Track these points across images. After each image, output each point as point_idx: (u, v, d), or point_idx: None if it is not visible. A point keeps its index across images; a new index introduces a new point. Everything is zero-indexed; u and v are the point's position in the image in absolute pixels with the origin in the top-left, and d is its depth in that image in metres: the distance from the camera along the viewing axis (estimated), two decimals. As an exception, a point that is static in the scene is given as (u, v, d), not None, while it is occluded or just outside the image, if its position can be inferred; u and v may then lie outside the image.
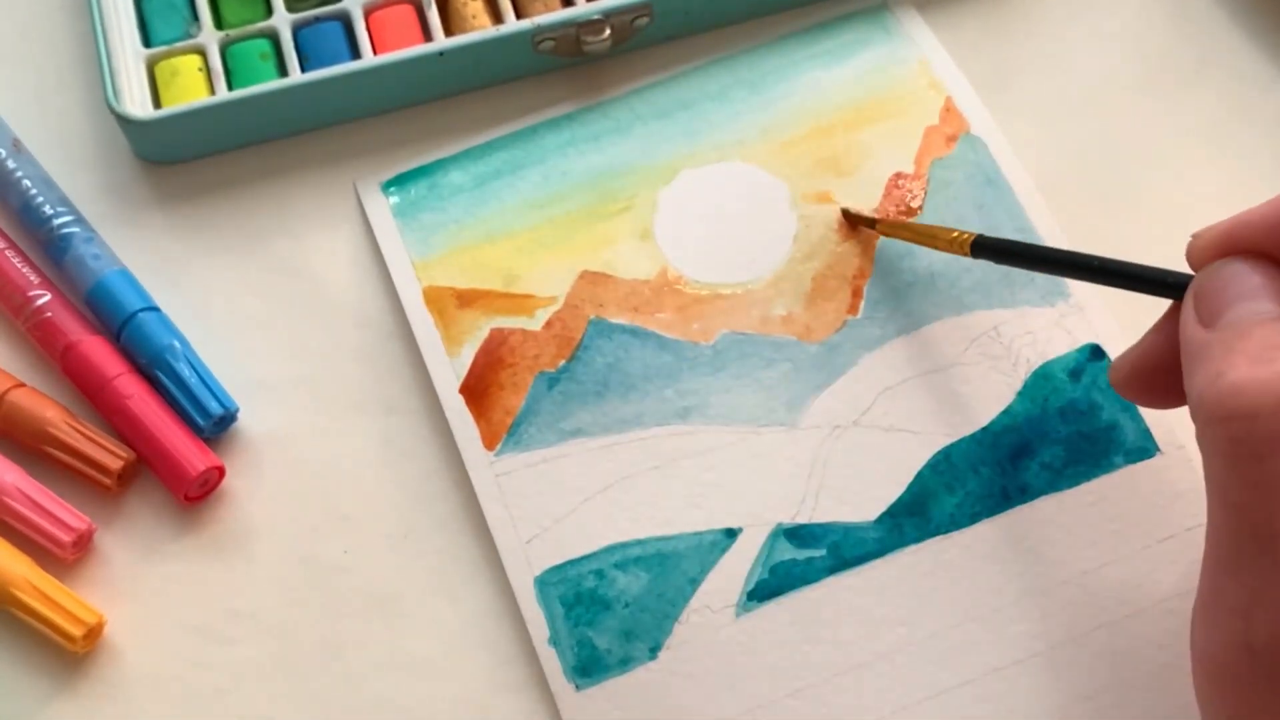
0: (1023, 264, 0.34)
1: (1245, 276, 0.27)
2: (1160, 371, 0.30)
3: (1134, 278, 0.30)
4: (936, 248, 0.36)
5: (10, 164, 0.40)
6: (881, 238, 0.38)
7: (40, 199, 0.39)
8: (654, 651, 0.34)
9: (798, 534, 0.35)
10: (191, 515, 0.37)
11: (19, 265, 0.38)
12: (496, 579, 0.35)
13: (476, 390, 0.37)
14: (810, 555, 0.35)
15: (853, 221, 0.39)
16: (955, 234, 0.35)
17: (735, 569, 0.34)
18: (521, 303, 0.38)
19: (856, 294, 0.38)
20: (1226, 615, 0.25)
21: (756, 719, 0.33)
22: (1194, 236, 0.28)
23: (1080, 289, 0.37)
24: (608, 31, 0.40)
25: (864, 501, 0.35)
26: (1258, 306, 0.26)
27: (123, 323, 0.38)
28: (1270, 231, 0.27)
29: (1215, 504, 0.25)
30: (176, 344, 0.37)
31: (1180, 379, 0.27)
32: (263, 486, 0.37)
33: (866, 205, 0.39)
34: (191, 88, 0.41)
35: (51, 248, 0.39)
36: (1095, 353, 0.36)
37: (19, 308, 0.38)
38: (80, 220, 0.39)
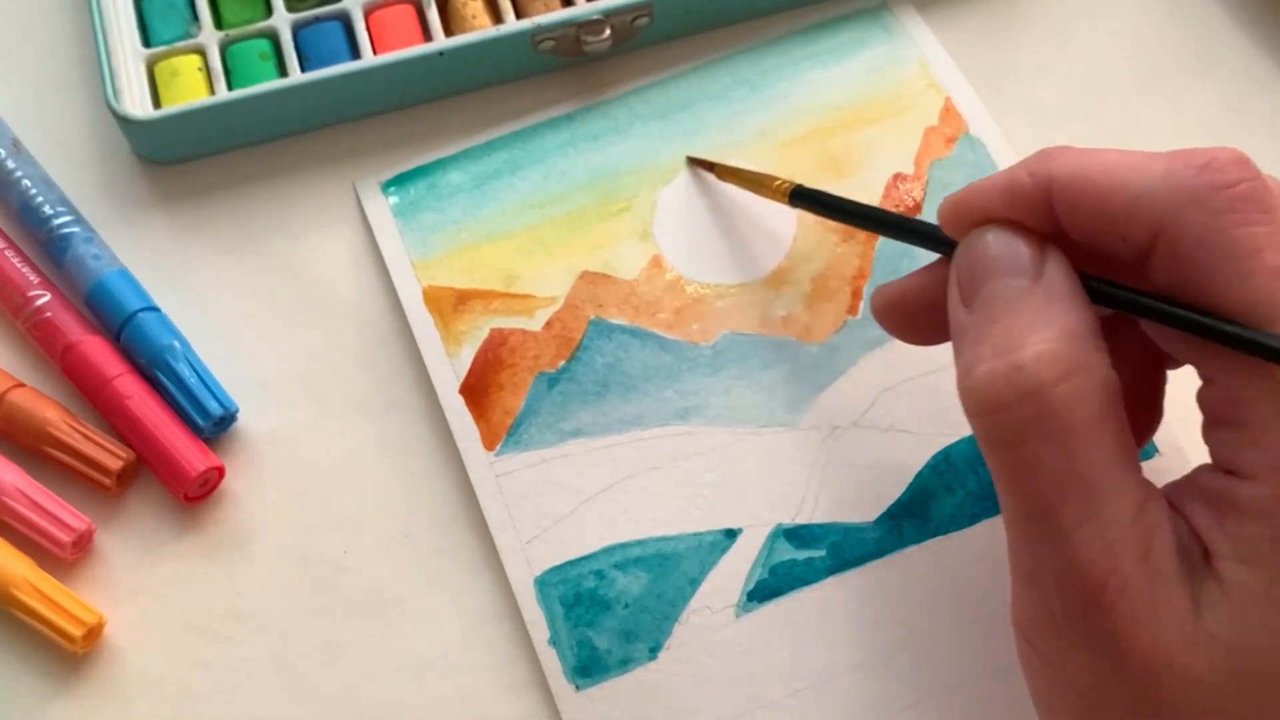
0: (834, 216, 0.35)
1: (998, 245, 0.27)
2: (919, 312, 0.31)
3: (924, 235, 0.30)
4: (762, 195, 0.37)
5: (10, 164, 0.40)
6: (881, 238, 0.38)
7: (40, 199, 0.39)
8: (654, 652, 0.34)
9: (798, 534, 0.35)
10: (191, 515, 0.37)
11: (19, 265, 0.38)
12: (496, 579, 0.35)
13: (476, 390, 0.37)
14: (810, 556, 0.35)
15: (695, 165, 0.40)
16: (778, 182, 0.36)
17: (735, 569, 0.34)
18: (521, 303, 0.38)
19: (856, 294, 0.38)
20: (1026, 586, 0.26)
21: (756, 719, 0.33)
22: (943, 200, 0.29)
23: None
24: (608, 31, 0.40)
25: (864, 502, 0.35)
26: (1007, 284, 0.27)
27: (123, 323, 0.38)
28: (1014, 197, 0.27)
29: (997, 486, 0.26)
30: (176, 344, 0.37)
31: (936, 319, 0.29)
32: (263, 486, 0.37)
33: (866, 205, 0.39)
34: (191, 88, 0.41)
35: (51, 248, 0.39)
36: (1095, 353, 0.36)
37: (19, 308, 0.38)
38: (80, 220, 0.39)
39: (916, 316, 0.31)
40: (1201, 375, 0.27)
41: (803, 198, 0.36)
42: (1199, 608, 0.25)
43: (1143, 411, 0.31)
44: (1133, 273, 0.27)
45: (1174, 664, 0.24)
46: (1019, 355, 0.25)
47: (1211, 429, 0.26)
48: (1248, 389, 0.25)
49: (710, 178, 0.40)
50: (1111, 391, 0.25)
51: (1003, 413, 0.25)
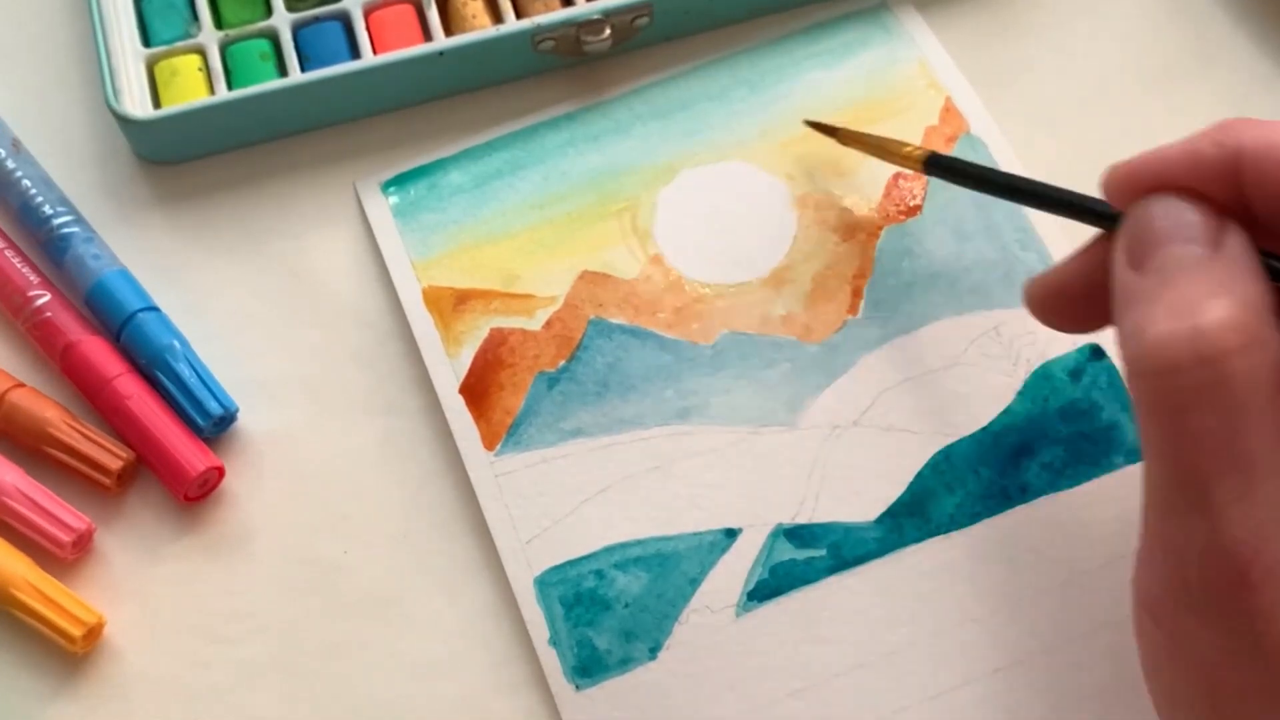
0: (973, 185, 0.34)
1: (1176, 213, 0.26)
2: (1078, 298, 0.30)
3: (1074, 207, 0.30)
4: (891, 161, 0.37)
5: (10, 164, 0.40)
6: (882, 236, 0.38)
7: (40, 199, 0.39)
8: (654, 652, 0.34)
9: (798, 534, 0.35)
10: (191, 515, 0.37)
11: (19, 265, 0.38)
12: (496, 579, 0.35)
13: (476, 390, 0.37)
14: (810, 555, 0.35)
15: (817, 129, 0.39)
16: (908, 148, 0.36)
17: (735, 569, 0.34)
18: (521, 303, 0.38)
19: (856, 294, 0.38)
20: (1164, 556, 0.26)
21: (756, 719, 0.33)
22: (1110, 169, 0.28)
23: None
24: (608, 31, 0.40)
25: (864, 501, 0.35)
26: (1185, 250, 0.26)
27: (122, 323, 0.38)
28: (1195, 167, 0.26)
29: (1147, 453, 0.26)
30: (176, 344, 0.37)
31: (1097, 306, 0.28)
32: (262, 486, 0.37)
33: (866, 206, 0.39)
34: (191, 88, 0.41)
35: (51, 248, 0.39)
36: (1095, 353, 0.36)
37: (19, 308, 0.38)
38: (80, 220, 0.39)
39: (1074, 303, 0.30)
40: None
41: (939, 166, 0.35)
42: None
43: None
44: None
45: None
46: (1201, 321, 0.24)
47: None
48: None
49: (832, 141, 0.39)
50: None
51: (1175, 375, 0.24)
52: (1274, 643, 0.24)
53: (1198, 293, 0.25)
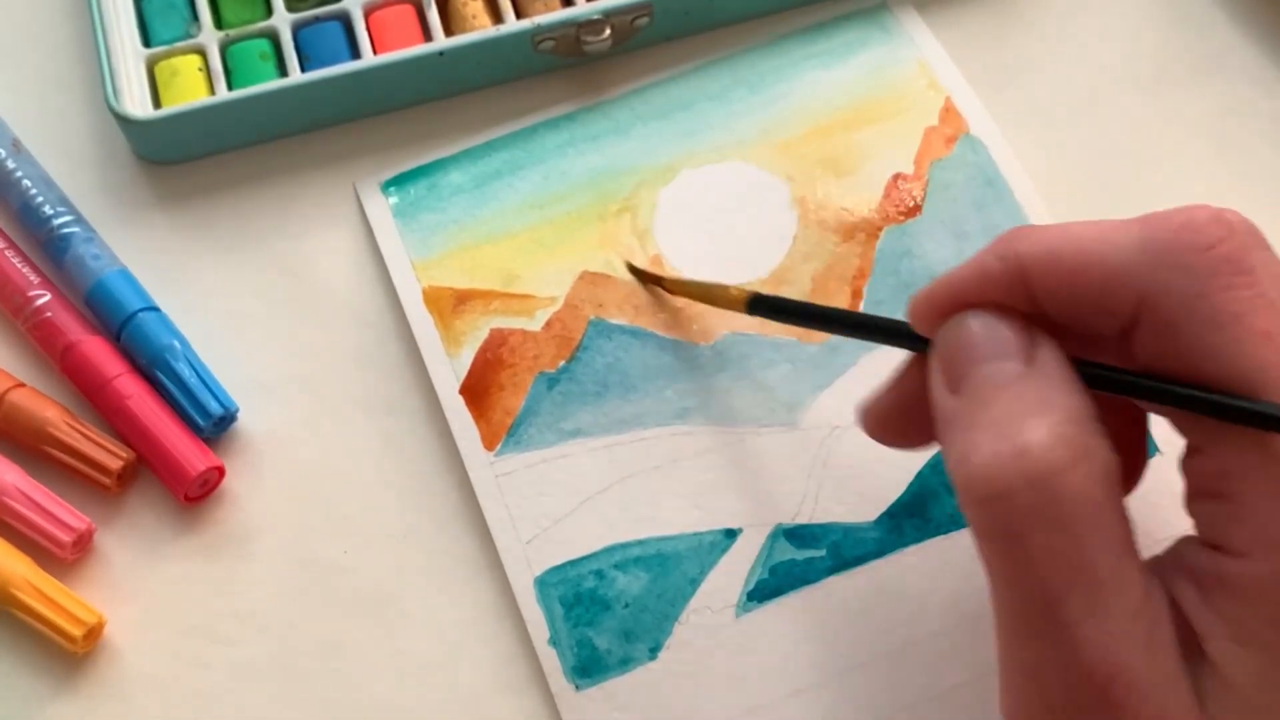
0: (796, 321, 0.33)
1: (985, 330, 0.26)
2: (907, 420, 0.29)
3: (889, 333, 0.29)
4: (717, 305, 0.36)
5: (10, 164, 0.40)
6: (882, 236, 0.38)
7: (40, 199, 0.39)
8: (654, 652, 0.34)
9: (798, 534, 0.35)
10: (191, 515, 0.37)
11: (19, 265, 0.38)
12: (496, 579, 0.35)
13: (476, 390, 0.37)
14: (810, 555, 0.35)
15: (640, 277, 0.38)
16: (733, 290, 0.34)
17: (735, 569, 0.34)
18: (521, 303, 0.38)
19: (856, 294, 0.38)
20: (1024, 681, 0.25)
21: (756, 719, 0.33)
22: (911, 298, 0.27)
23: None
24: (608, 31, 0.40)
25: (864, 502, 0.35)
26: (1000, 368, 0.25)
27: (123, 323, 0.38)
28: (984, 283, 0.26)
29: (991, 578, 0.25)
30: (176, 344, 0.37)
31: (925, 423, 0.27)
32: (262, 486, 0.37)
33: (866, 206, 0.39)
34: (191, 88, 0.41)
35: (51, 248, 0.39)
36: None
37: (19, 308, 0.38)
38: (80, 220, 0.39)
39: (905, 425, 0.29)
40: (1189, 444, 0.26)
41: (762, 306, 0.33)
42: (1202, 698, 0.24)
43: (1129, 456, 0.29)
44: (1114, 347, 0.26)
45: None
46: (1024, 440, 0.24)
47: (1197, 501, 0.25)
48: (1238, 460, 0.24)
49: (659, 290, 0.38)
50: (1114, 477, 0.24)
51: (1006, 500, 0.24)
52: None
53: (1018, 411, 0.24)
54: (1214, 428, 0.24)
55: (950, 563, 0.34)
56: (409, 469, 0.37)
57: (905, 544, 0.35)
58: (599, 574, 0.35)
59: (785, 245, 0.39)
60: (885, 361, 0.37)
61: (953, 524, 0.35)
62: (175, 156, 0.41)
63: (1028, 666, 0.25)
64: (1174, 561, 0.25)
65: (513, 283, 0.38)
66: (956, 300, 0.27)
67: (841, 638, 0.34)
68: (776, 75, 0.41)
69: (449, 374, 0.37)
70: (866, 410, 0.31)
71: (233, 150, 0.41)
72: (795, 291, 0.38)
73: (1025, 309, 0.26)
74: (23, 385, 0.37)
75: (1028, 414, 0.24)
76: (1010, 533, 0.24)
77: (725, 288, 0.35)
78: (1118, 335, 0.26)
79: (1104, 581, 0.24)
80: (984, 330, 0.26)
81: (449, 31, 0.42)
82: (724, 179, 0.40)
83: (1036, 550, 0.24)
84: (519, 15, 0.41)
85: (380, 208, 0.40)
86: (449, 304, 0.38)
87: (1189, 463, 0.26)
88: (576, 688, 0.34)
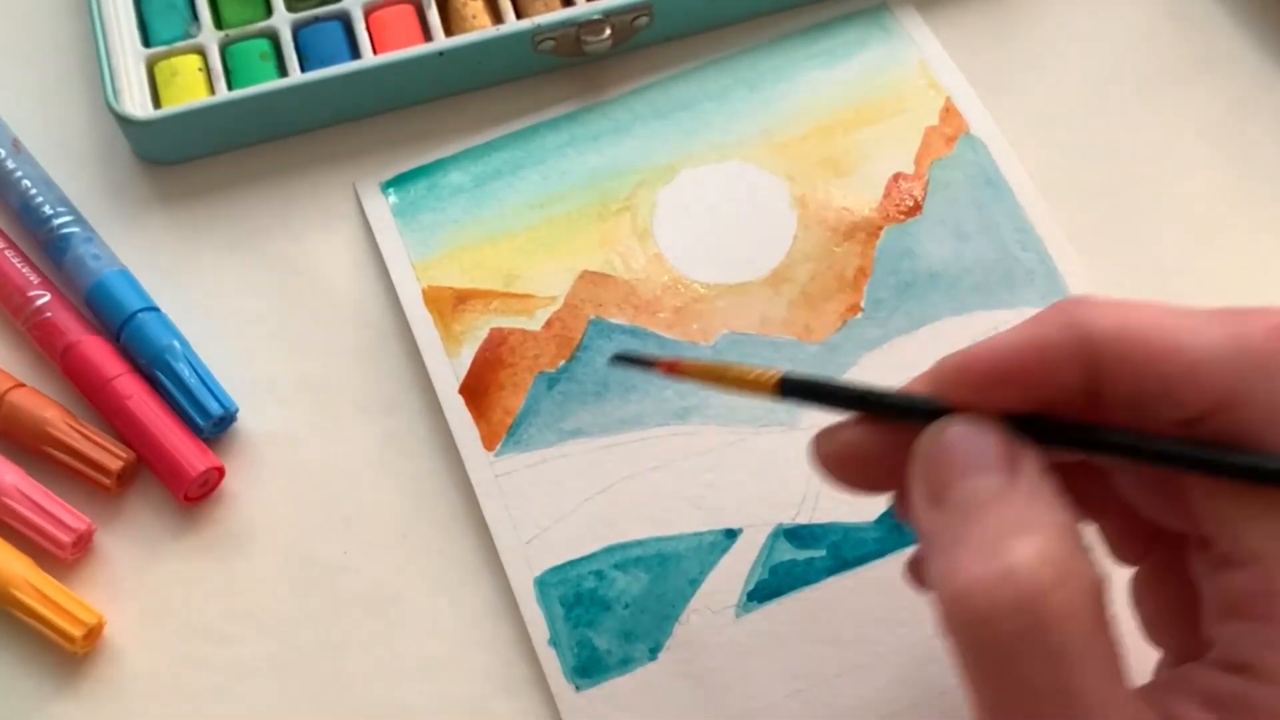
0: (831, 405, 0.28)
1: (968, 441, 0.25)
2: (869, 465, 0.27)
3: (929, 412, 0.26)
4: (735, 391, 0.29)
5: (10, 164, 0.40)
6: (882, 236, 0.38)
7: (40, 199, 0.39)
8: (654, 652, 0.34)
9: (798, 534, 0.35)
10: (191, 515, 0.37)
11: (19, 265, 0.38)
12: (496, 579, 0.35)
13: (476, 390, 0.37)
14: (810, 556, 0.35)
15: (625, 364, 0.31)
16: (758, 373, 0.28)
17: (735, 569, 0.34)
18: (521, 303, 0.38)
19: (856, 294, 0.38)
20: None
21: (756, 719, 0.33)
22: (945, 365, 0.26)
23: (1078, 288, 0.37)
24: (608, 31, 0.40)
25: (864, 502, 0.35)
26: (983, 483, 0.24)
27: (123, 323, 0.38)
28: (1045, 353, 0.25)
29: (973, 701, 0.24)
30: (176, 344, 0.37)
31: (893, 474, 0.26)
32: (262, 487, 0.37)
33: (867, 206, 0.39)
34: (191, 88, 0.41)
35: (51, 248, 0.39)
36: (1095, 353, 0.36)
37: (19, 308, 0.38)
38: (80, 220, 0.39)
39: (868, 470, 0.28)
40: (1216, 556, 0.24)
41: (795, 390, 0.28)
42: None
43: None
44: (1174, 428, 0.24)
45: None
46: (1008, 560, 0.23)
47: (1220, 621, 0.24)
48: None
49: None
50: (1102, 597, 0.23)
51: (993, 625, 0.23)
52: None
53: (1003, 529, 0.23)
54: (1255, 539, 0.23)
55: (950, 563, 0.34)
56: (409, 469, 0.37)
57: (905, 544, 0.35)
58: (599, 574, 0.35)
59: (785, 245, 0.39)
60: (885, 361, 0.37)
61: (953, 524, 0.35)
62: (175, 156, 0.41)
63: None
64: (1180, 685, 0.24)
65: (513, 282, 0.38)
66: (1008, 373, 0.25)
67: (841, 638, 0.34)
68: (777, 75, 0.41)
69: (449, 374, 0.37)
70: (826, 440, 0.28)
71: (232, 150, 0.41)
72: (795, 291, 0.38)
73: (1080, 385, 0.25)
74: (23, 385, 0.37)
75: (1012, 533, 0.23)
76: (997, 659, 0.23)
77: (748, 369, 0.28)
78: (1179, 425, 0.24)
79: (1093, 709, 0.23)
80: (965, 441, 0.25)
81: (449, 31, 0.42)
82: (724, 179, 0.40)
83: (1022, 676, 0.23)
84: (519, 15, 0.41)
85: (380, 207, 0.40)
86: (449, 304, 0.38)
87: (1218, 578, 0.24)
88: (576, 688, 0.33)
